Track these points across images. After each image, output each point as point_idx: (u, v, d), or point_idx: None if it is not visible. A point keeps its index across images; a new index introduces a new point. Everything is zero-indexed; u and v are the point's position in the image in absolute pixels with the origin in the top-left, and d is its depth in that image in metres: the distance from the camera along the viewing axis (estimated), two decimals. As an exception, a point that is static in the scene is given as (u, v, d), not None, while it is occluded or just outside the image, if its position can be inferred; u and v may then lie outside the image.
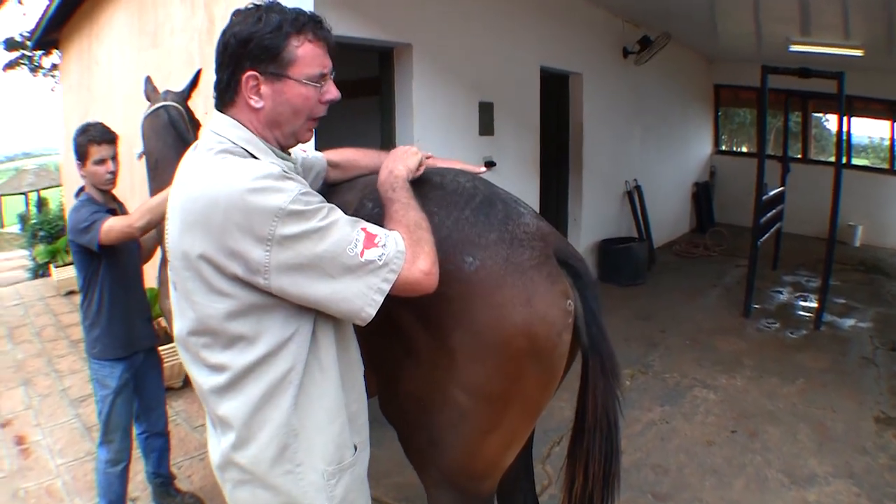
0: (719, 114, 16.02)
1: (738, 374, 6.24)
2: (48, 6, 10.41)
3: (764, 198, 8.38)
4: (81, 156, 3.59)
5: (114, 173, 3.66)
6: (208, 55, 5.10)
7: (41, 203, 21.46)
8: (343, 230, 1.66)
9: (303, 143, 1.97)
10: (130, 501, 4.16)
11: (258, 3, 1.82)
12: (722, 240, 12.78)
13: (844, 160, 8.71)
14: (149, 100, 3.98)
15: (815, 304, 8.34)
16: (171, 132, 3.80)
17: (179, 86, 4.05)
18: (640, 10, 9.92)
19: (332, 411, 1.86)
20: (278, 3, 1.82)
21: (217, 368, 1.77)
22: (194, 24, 5.44)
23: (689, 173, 14.65)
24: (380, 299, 1.69)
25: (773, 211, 9.42)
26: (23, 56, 19.29)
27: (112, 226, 3.38)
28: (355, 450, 1.95)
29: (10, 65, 20.51)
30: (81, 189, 3.75)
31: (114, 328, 3.68)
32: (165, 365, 4.67)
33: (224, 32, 1.80)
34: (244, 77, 1.78)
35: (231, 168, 1.67)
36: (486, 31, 7.14)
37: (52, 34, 11.70)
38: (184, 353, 1.87)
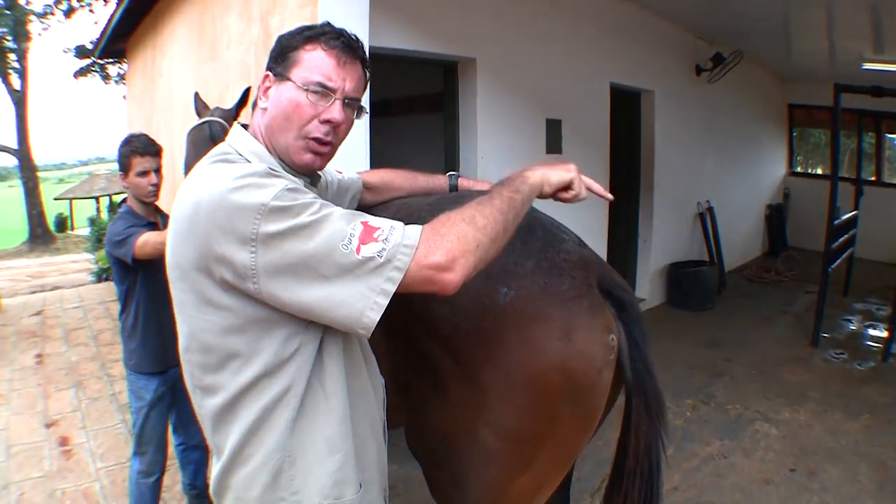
0: (794, 134, 15.68)
1: (802, 408, 6.02)
2: (112, 16, 10.59)
3: (836, 222, 8.14)
4: (124, 167, 3.61)
5: (156, 185, 3.66)
6: (264, 68, 5.10)
7: (112, 207, 21.88)
8: (336, 224, 1.47)
9: (298, 165, 1.77)
10: (165, 511, 4.15)
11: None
12: (794, 264, 12.47)
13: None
14: (199, 116, 3.92)
15: (884, 334, 8.07)
16: (210, 147, 3.72)
17: (233, 101, 3.99)
18: (712, 27, 9.72)
19: (335, 442, 1.68)
20: (328, 23, 1.78)
21: (211, 389, 1.64)
22: (250, 36, 5.41)
23: (763, 195, 14.36)
24: (383, 302, 1.47)
25: (846, 236, 9.16)
26: (94, 64, 19.73)
27: (147, 240, 3.38)
28: (360, 487, 1.76)
29: (82, 72, 21.00)
30: (124, 200, 3.75)
31: (149, 343, 3.69)
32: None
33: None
34: (263, 76, 1.75)
35: (216, 172, 1.57)
36: (554, 45, 6.99)
37: (117, 44, 11.95)
38: (184, 372, 1.74)
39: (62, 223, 34.68)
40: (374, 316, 1.47)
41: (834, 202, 7.89)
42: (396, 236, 1.48)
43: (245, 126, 1.84)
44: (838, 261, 8.84)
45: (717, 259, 11.02)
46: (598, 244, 7.80)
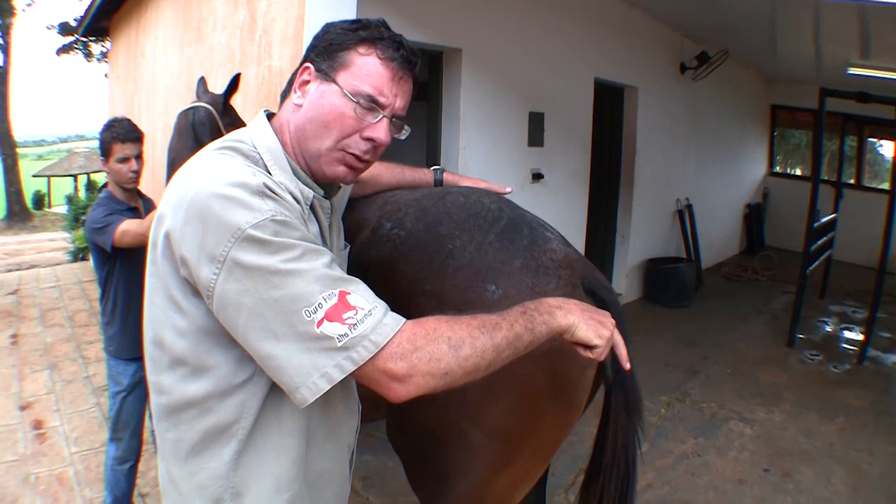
0: (775, 135, 15.80)
1: (777, 409, 6.05)
2: (97, -6, 10.46)
3: (816, 224, 8.17)
4: (105, 152, 3.58)
5: (137, 172, 3.64)
6: (249, 52, 5.09)
7: (90, 186, 21.76)
8: (308, 286, 1.32)
9: (328, 178, 1.62)
10: (140, 497, 4.14)
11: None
12: (771, 264, 12.55)
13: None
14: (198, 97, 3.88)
15: (859, 337, 8.18)
16: (192, 134, 3.66)
17: (223, 85, 3.95)
18: (699, 26, 9.74)
19: (285, 481, 1.55)
20: (384, 22, 1.61)
21: (158, 387, 1.52)
22: (236, 20, 5.37)
23: (742, 194, 14.45)
24: (324, 386, 1.32)
25: (825, 238, 9.23)
26: (77, 41, 19.59)
27: (127, 230, 3.37)
28: None
29: (65, 49, 20.85)
30: (105, 185, 3.73)
31: (128, 328, 3.66)
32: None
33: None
34: (301, 67, 1.60)
35: (212, 167, 1.43)
36: (540, 39, 6.97)
37: (102, 22, 11.83)
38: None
39: (40, 201, 34.46)
40: (309, 396, 1.33)
41: (814, 205, 7.92)
42: (367, 326, 1.32)
43: (271, 115, 1.69)
44: (817, 262, 8.89)
45: (695, 256, 11.08)
46: (577, 238, 7.83)
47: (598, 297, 2.08)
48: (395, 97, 1.57)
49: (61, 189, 32.90)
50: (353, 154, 1.57)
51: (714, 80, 10.79)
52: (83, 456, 4.70)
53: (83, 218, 12.84)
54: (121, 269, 3.60)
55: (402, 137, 1.66)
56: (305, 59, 1.60)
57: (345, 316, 1.31)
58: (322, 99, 1.54)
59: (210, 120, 3.67)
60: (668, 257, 10.41)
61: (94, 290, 9.14)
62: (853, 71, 10.23)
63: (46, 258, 13.35)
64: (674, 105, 10.32)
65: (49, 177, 35.96)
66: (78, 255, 11.87)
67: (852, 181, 13.92)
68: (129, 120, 3.69)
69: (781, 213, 14.82)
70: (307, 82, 1.58)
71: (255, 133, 1.60)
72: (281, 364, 1.32)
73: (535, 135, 7.17)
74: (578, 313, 1.57)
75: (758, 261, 12.80)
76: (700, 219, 11.37)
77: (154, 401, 1.56)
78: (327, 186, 1.69)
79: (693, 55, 10.20)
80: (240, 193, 1.34)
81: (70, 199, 17.82)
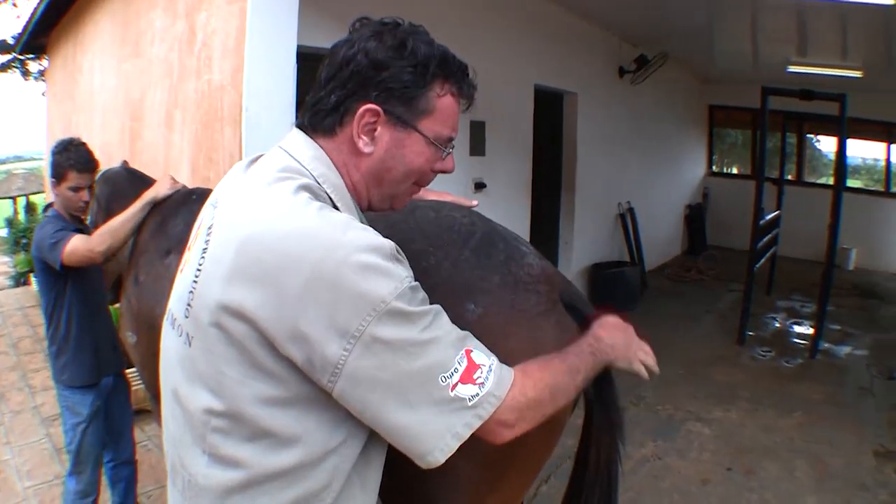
0: (713, 135, 15.98)
1: (734, 407, 6.09)
2: (35, 9, 10.24)
3: (761, 222, 8.24)
4: (57, 176, 3.45)
5: (87, 203, 3.54)
6: (188, 66, 4.97)
7: (29, 208, 21.36)
8: (445, 352, 1.29)
9: (394, 210, 1.60)
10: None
11: (397, 20, 1.48)
12: (714, 263, 12.70)
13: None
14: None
15: (810, 331, 8.29)
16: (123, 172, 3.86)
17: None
18: (637, 30, 9.83)
19: None
20: (424, 29, 1.49)
21: (230, 462, 1.36)
22: (174, 32, 5.25)
23: (682, 195, 14.61)
24: (454, 445, 1.31)
25: (769, 235, 9.32)
26: (14, 59, 19.20)
27: (75, 248, 3.24)
28: None
29: (2, 68, 20.41)
30: (50, 204, 3.63)
31: (81, 354, 3.54)
32: (133, 388, 4.49)
33: (350, 43, 1.44)
34: (361, 108, 1.41)
35: (331, 224, 1.29)
36: (478, 47, 6.88)
37: (39, 39, 11.57)
38: (195, 428, 1.41)
39: (-24, 224, 33.74)
40: (441, 458, 1.32)
41: (759, 202, 8.00)
42: (491, 382, 1.33)
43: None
44: (763, 259, 8.99)
45: (639, 259, 11.17)
46: None
47: (578, 311, 2.03)
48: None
49: (1, 212, 32.28)
50: (420, 185, 1.57)
51: (653, 83, 10.90)
52: (37, 490, 4.55)
53: (23, 241, 12.58)
54: (72, 290, 3.48)
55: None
56: (361, 95, 1.43)
57: (475, 376, 1.32)
58: (403, 148, 1.46)
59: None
60: (613, 261, 10.45)
61: (38, 316, 8.90)
62: (793, 69, 10.38)
63: (-14, 284, 13.05)
64: (613, 109, 10.38)
65: (-14, 199, 35.25)
66: (20, 280, 11.59)
67: (791, 177, 14.11)
68: (86, 147, 3.55)
69: (722, 213, 15.01)
70: (374, 128, 1.44)
71: (311, 164, 1.46)
72: (415, 432, 1.30)
73: (477, 144, 7.15)
74: (622, 349, 1.76)
75: (701, 260, 12.95)
76: (642, 221, 11.45)
77: (212, 475, 1.39)
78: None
79: (632, 59, 10.31)
80: (377, 260, 1.26)
81: (10, 222, 17.40)
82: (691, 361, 7.39)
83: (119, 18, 7.01)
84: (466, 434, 1.31)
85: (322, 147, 1.48)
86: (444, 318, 1.35)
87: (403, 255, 1.37)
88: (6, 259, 14.63)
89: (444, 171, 1.56)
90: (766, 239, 8.92)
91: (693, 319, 9.31)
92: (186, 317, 1.40)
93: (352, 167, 1.48)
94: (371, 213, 2.19)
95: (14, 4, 20.34)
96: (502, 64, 7.34)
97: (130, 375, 4.24)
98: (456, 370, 1.29)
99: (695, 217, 14.72)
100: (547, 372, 1.47)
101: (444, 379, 1.28)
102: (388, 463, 1.80)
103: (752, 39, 9.54)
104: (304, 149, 1.47)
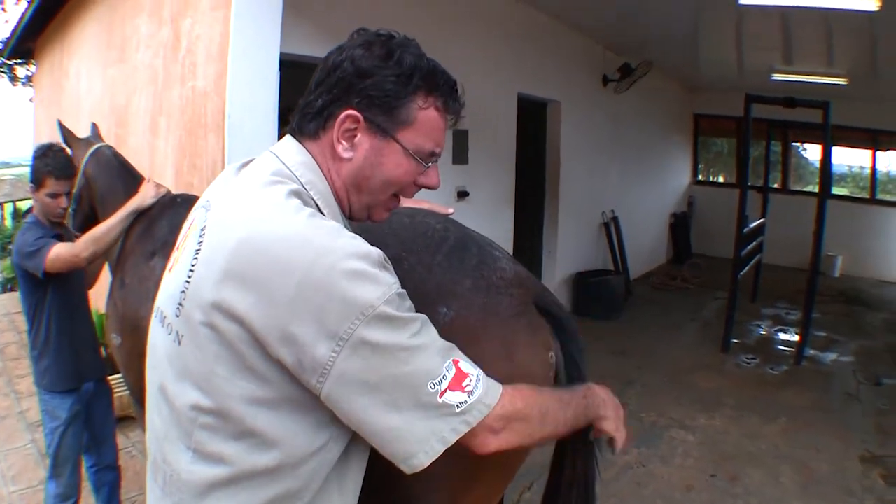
0: (698, 143, 16.05)
1: (718, 414, 6.09)
2: (23, 14, 10.24)
3: (745, 230, 8.27)
4: (36, 181, 3.48)
5: (66, 209, 3.56)
6: (173, 72, 4.97)
7: (17, 214, 21.29)
8: (433, 359, 1.33)
9: (373, 222, 1.61)
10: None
11: (392, 32, 1.51)
12: (699, 271, 12.75)
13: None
14: (68, 144, 3.81)
15: (795, 338, 8.29)
16: (115, 163, 3.74)
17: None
18: (621, 38, 9.85)
19: None
20: (416, 43, 1.51)
21: (214, 458, 1.37)
22: (160, 38, 5.24)
23: (667, 203, 14.65)
24: (440, 449, 1.33)
25: (754, 243, 9.35)
26: (2, 64, 19.12)
27: (59, 254, 3.27)
28: None
29: (-10, 73, 20.31)
30: (30, 210, 3.62)
31: (62, 359, 3.55)
32: (117, 395, 4.48)
33: (341, 49, 1.49)
34: (342, 114, 1.44)
35: (321, 231, 1.32)
36: (462, 56, 6.86)
37: (27, 43, 11.56)
38: (180, 424, 1.43)
39: (-37, 230, 33.64)
40: (426, 461, 1.35)
41: (743, 210, 8.02)
42: (480, 390, 1.37)
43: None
44: (747, 267, 9.01)
45: (623, 268, 11.18)
46: None
47: (553, 316, 2.06)
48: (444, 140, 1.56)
49: (-13, 218, 32.11)
50: (399, 200, 1.58)
51: (637, 92, 10.93)
52: (22, 495, 4.55)
53: (10, 247, 12.55)
54: (53, 297, 3.50)
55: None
56: (343, 101, 1.46)
57: (464, 384, 1.35)
58: (381, 157, 1.48)
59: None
60: (596, 270, 10.46)
61: (24, 322, 8.91)
62: (777, 77, 10.43)
63: (-29, 290, 12.99)
64: (597, 118, 10.41)
65: (-28, 205, 35.12)
66: (6, 286, 11.56)
67: (777, 185, 14.21)
68: (65, 153, 3.58)
69: (707, 221, 15.07)
70: (354, 134, 1.46)
71: (300, 170, 1.49)
72: (400, 435, 1.32)
73: (460, 152, 7.14)
74: (612, 407, 1.75)
75: (686, 269, 12.98)
76: (626, 230, 11.47)
77: (195, 471, 1.40)
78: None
79: (615, 67, 10.32)
80: (365, 267, 1.29)
81: (-3, 229, 17.37)
82: (675, 369, 7.39)
83: (105, 24, 7.00)
84: (453, 439, 1.34)
85: (309, 151, 1.50)
86: (432, 327, 1.38)
87: (390, 263, 1.39)
88: (-7, 266, 14.60)
89: (427, 186, 1.56)
90: (750, 247, 8.95)
91: (677, 327, 9.32)
92: (177, 316, 1.41)
93: (334, 172, 1.50)
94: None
95: (2, 9, 20.30)
96: (485, 72, 7.35)
97: (114, 382, 4.24)
98: (444, 377, 1.32)
99: (680, 225, 14.77)
100: (537, 393, 1.51)
101: (432, 385, 1.31)
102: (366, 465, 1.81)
103: (737, 48, 9.59)
104: (294, 154, 1.50)
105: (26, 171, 3.76)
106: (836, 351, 8.13)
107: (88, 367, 3.70)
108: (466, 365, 1.38)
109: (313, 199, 1.45)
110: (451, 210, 2.34)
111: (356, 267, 1.27)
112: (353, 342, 1.24)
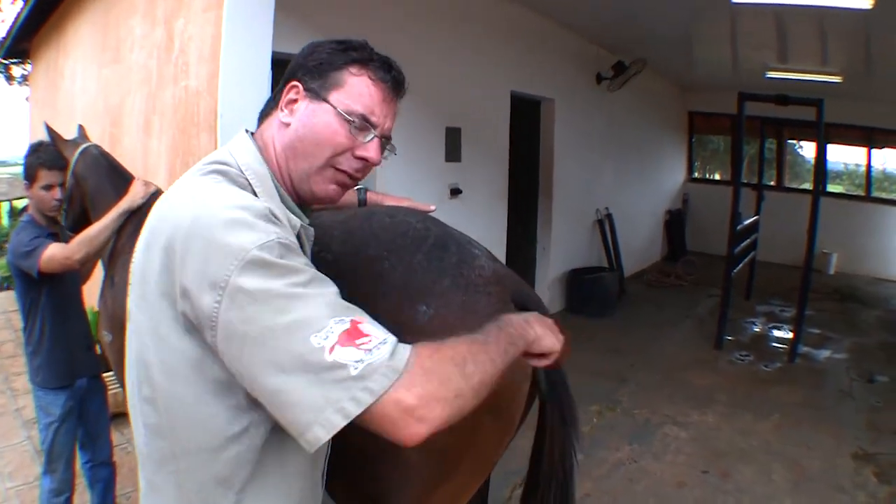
0: (693, 141, 16.07)
1: (711, 411, 6.11)
2: (19, 14, 10.21)
3: (738, 227, 8.29)
4: (29, 177, 3.52)
5: (61, 200, 3.57)
6: (166, 72, 4.97)
7: (13, 213, 21.25)
8: (317, 310, 1.20)
9: (316, 198, 1.59)
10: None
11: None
12: (693, 269, 12.73)
13: (820, 187, 8.67)
14: (55, 145, 3.80)
15: (789, 335, 8.31)
16: (103, 162, 3.77)
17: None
18: (615, 37, 9.84)
19: None
20: (367, 43, 1.60)
21: (156, 432, 1.41)
22: (153, 39, 5.24)
23: (662, 201, 14.66)
24: (339, 423, 1.15)
25: (748, 240, 9.37)
26: (-1, 64, 19.11)
27: (53, 255, 3.30)
28: None
29: (-15, 72, 20.28)
30: (24, 209, 3.66)
31: (55, 356, 3.59)
32: (111, 392, 4.50)
33: None
34: (288, 85, 1.55)
35: (210, 192, 1.36)
36: (455, 54, 6.97)
37: (22, 43, 11.53)
38: (131, 399, 1.49)
39: (-41, 229, 33.55)
40: (322, 435, 1.16)
41: (736, 208, 8.05)
42: (383, 352, 1.19)
43: (251, 133, 1.62)
44: (741, 264, 9.02)
45: (617, 265, 11.19)
46: (497, 252, 7.53)
47: (530, 311, 2.06)
48: (385, 118, 1.57)
49: (-17, 217, 32.03)
50: (344, 172, 1.56)
51: (631, 90, 10.96)
52: (18, 491, 4.57)
53: (6, 245, 12.53)
54: (48, 296, 3.54)
55: (387, 158, 1.66)
56: (291, 76, 1.57)
57: (359, 342, 1.19)
58: (314, 117, 1.51)
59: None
60: (590, 267, 10.46)
61: (20, 320, 8.94)
62: (771, 75, 10.44)
63: (-32, 288, 12.97)
64: (591, 116, 10.42)
65: (-31, 204, 35.02)
66: (2, 284, 11.55)
67: (772, 183, 14.22)
68: (54, 146, 3.64)
69: (702, 218, 15.10)
70: (295, 101, 1.55)
71: (240, 154, 1.53)
72: (289, 399, 1.18)
73: (453, 150, 7.15)
74: (538, 324, 1.61)
75: (680, 266, 12.98)
76: (621, 227, 11.48)
77: (151, 444, 1.43)
78: (305, 211, 1.63)
79: (609, 65, 10.32)
80: (245, 215, 1.28)
81: (-6, 227, 17.33)
82: (669, 366, 7.41)
83: (100, 24, 7.00)
84: (354, 411, 1.16)
85: (263, 129, 1.60)
86: (328, 286, 1.29)
87: (285, 223, 1.42)
88: (-12, 264, 14.57)
89: (366, 160, 1.55)
90: (744, 244, 8.98)
91: (671, 324, 9.34)
92: (130, 297, 1.47)
93: (277, 141, 1.56)
94: (327, 218, 2.21)
95: (-1, 9, 20.28)
96: (478, 70, 7.38)
97: (107, 379, 4.26)
98: (331, 330, 1.18)
99: (674, 223, 14.79)
100: (447, 345, 1.32)
101: (317, 340, 1.17)
102: (338, 456, 1.81)
103: (732, 46, 9.60)
104: (237, 141, 1.58)
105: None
106: (829, 348, 8.15)
107: (82, 364, 3.73)
108: (371, 328, 1.24)
109: (247, 181, 1.48)
110: (432, 207, 2.36)
111: (235, 216, 1.27)
112: (231, 290, 1.21)
